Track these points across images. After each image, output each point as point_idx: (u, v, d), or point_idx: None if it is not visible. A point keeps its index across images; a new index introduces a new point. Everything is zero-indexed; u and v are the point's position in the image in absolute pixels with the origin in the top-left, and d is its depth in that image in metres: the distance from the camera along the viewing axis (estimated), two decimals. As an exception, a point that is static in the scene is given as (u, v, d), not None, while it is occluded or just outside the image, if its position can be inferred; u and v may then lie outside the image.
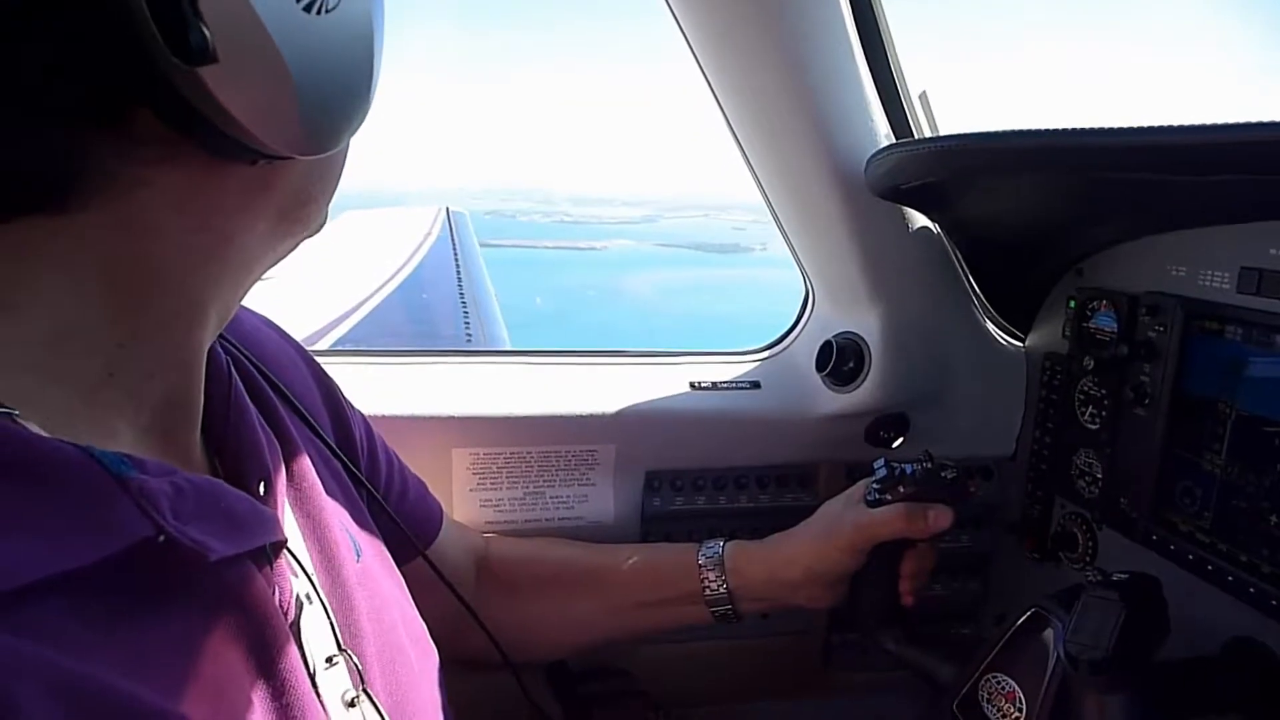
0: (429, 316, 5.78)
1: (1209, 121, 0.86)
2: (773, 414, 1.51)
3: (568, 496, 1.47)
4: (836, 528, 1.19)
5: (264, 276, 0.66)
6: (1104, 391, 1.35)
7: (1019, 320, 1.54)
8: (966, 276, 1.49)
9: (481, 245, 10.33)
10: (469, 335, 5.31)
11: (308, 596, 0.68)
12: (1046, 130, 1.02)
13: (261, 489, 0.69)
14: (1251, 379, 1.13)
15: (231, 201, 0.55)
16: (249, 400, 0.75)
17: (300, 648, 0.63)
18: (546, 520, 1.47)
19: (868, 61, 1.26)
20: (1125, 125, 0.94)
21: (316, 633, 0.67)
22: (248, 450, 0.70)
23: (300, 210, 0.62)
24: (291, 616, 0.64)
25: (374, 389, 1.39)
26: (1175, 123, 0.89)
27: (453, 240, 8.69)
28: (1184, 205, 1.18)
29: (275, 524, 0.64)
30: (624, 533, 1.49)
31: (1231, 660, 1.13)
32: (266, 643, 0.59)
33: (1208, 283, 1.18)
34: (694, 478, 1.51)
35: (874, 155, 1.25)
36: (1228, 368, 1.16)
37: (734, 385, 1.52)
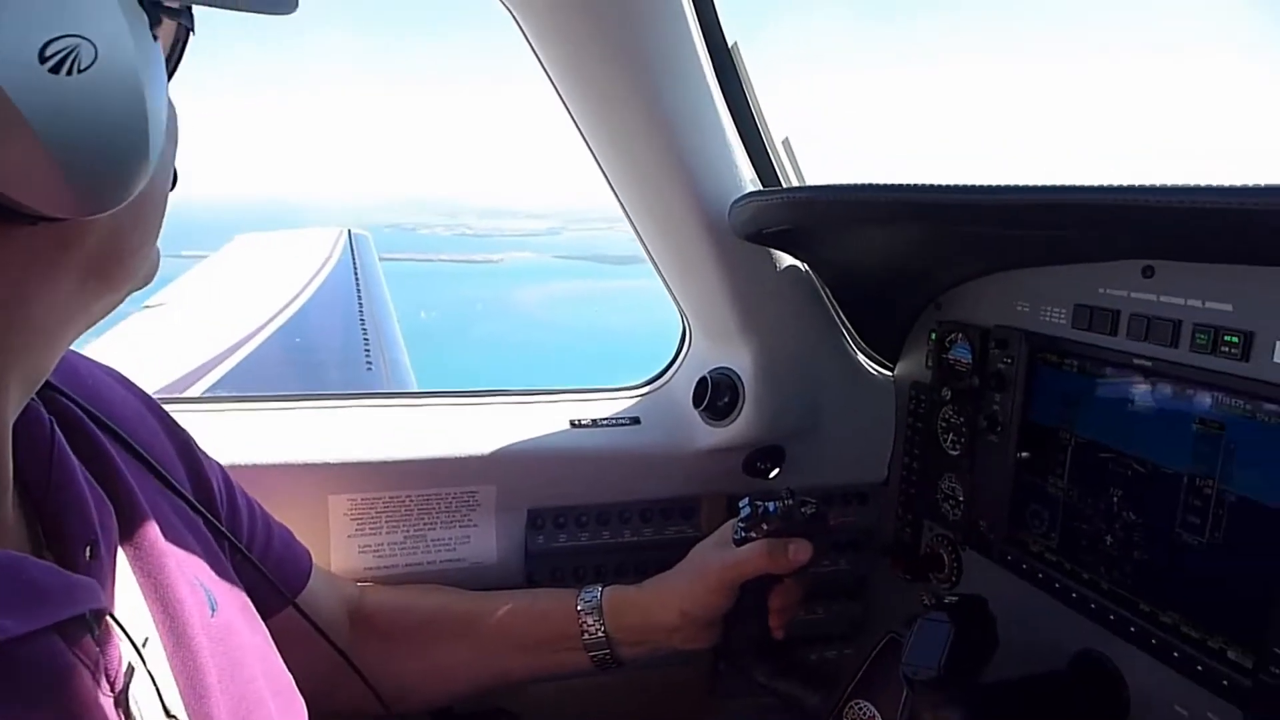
0: (325, 345, 5.63)
1: (1026, 182, 0.93)
2: (653, 449, 1.53)
3: (449, 539, 1.46)
4: (705, 569, 1.22)
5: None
6: (962, 420, 1.42)
7: (887, 350, 1.61)
8: (836, 311, 1.55)
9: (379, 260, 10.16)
10: (369, 363, 5.20)
11: (142, 660, 0.66)
12: (890, 185, 1.08)
13: (89, 552, 0.66)
14: (1087, 408, 1.21)
15: (18, 265, 0.53)
16: (78, 460, 0.72)
17: (129, 717, 0.61)
18: (428, 564, 1.45)
19: (729, 109, 1.30)
20: (959, 184, 1.01)
21: (149, 700, 0.65)
22: (72, 513, 0.67)
23: (114, 266, 0.60)
24: (120, 686, 0.62)
25: (246, 437, 1.36)
26: (1005, 182, 0.96)
27: (354, 264, 8.50)
28: (1024, 247, 1.25)
29: (92, 591, 0.61)
30: (508, 572, 1.49)
31: (1077, 673, 1.21)
32: (79, 718, 0.57)
33: (1048, 318, 1.26)
34: (577, 514, 1.52)
35: (734, 202, 1.29)
36: (1067, 398, 1.24)
37: (614, 422, 1.54)
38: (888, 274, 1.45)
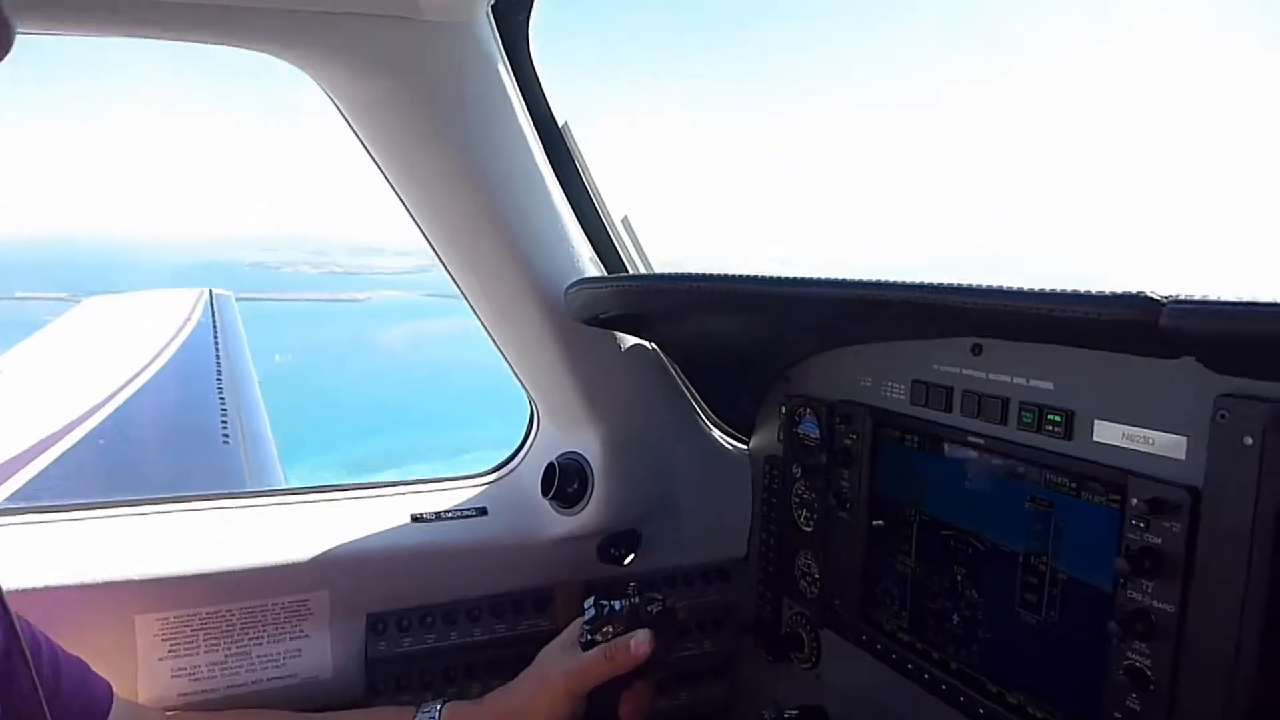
0: (172, 423, 5.24)
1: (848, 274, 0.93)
2: (502, 541, 1.45)
3: (277, 654, 1.33)
4: (549, 678, 1.14)
5: None
6: (814, 495, 1.41)
7: (741, 425, 1.59)
8: (688, 387, 1.52)
9: (238, 299, 9.68)
10: (226, 437, 4.87)
11: None
12: (715, 276, 1.07)
13: None
14: (929, 484, 1.21)
15: None
16: None
17: None
18: (254, 683, 1.32)
19: (564, 190, 1.27)
20: (784, 276, 1.00)
21: None
22: None
23: None
24: None
25: (36, 555, 1.20)
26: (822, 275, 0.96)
27: (214, 327, 8.05)
28: (859, 325, 1.26)
29: None
30: (346, 685, 1.37)
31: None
32: None
33: (889, 393, 1.26)
34: (422, 615, 1.41)
35: (567, 289, 1.26)
36: (910, 474, 1.24)
37: (459, 514, 1.45)
38: (734, 351, 1.44)
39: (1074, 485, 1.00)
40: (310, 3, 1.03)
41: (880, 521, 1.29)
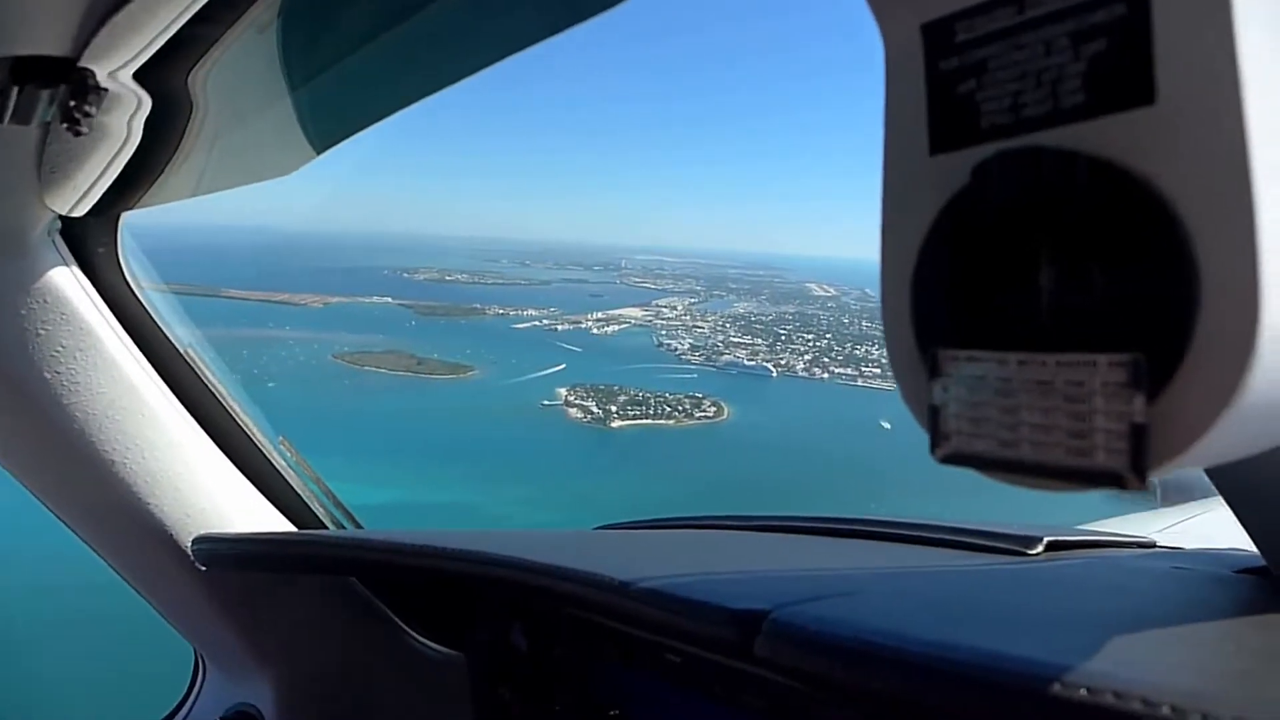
0: None
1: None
2: None
3: None
4: None
5: None
6: (530, 709, 1.29)
7: (452, 630, 1.45)
8: (385, 605, 1.37)
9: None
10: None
11: None
12: (345, 540, 0.93)
13: None
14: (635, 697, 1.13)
15: None
16: None
17: None
18: None
19: (201, 426, 1.11)
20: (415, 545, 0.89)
21: None
22: None
23: None
24: None
25: None
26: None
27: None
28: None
29: None
30: None
31: None
32: None
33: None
34: None
35: (192, 544, 1.09)
36: (616, 686, 1.15)
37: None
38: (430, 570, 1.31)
39: None
40: None
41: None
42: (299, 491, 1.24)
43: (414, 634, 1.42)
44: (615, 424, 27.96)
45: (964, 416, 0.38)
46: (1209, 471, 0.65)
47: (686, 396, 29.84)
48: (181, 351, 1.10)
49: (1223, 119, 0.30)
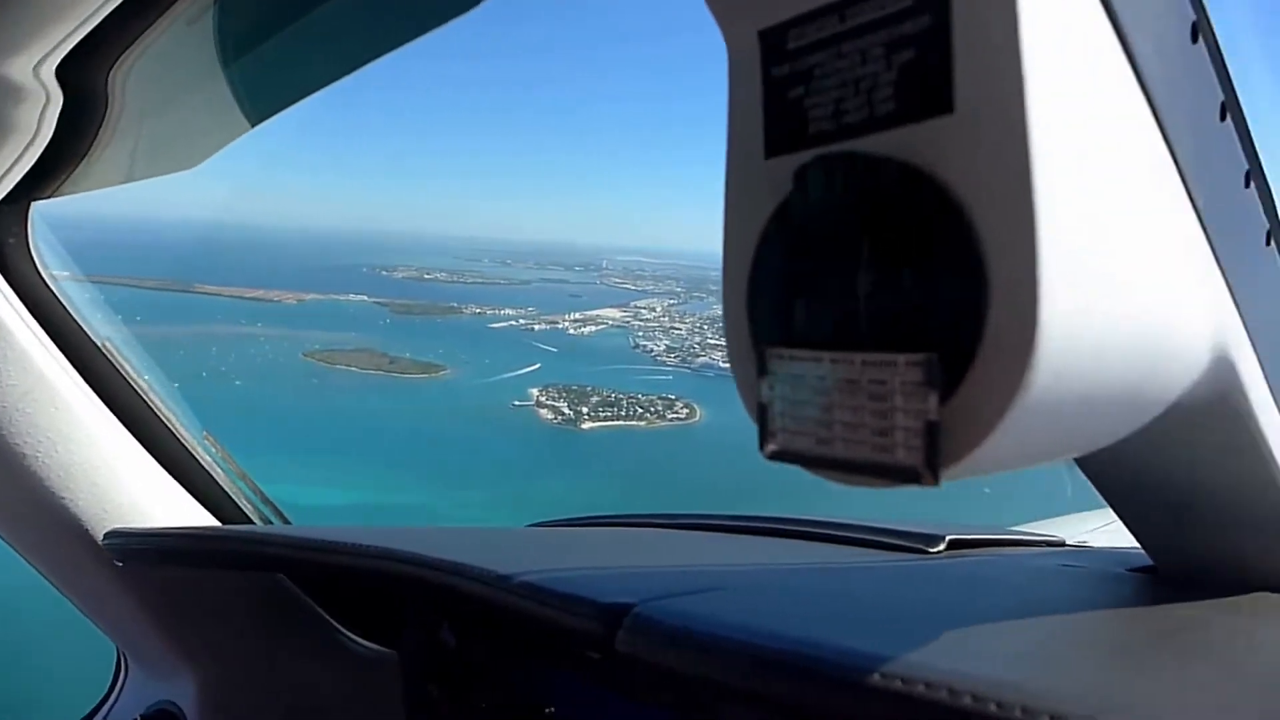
0: None
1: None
2: None
3: None
4: None
5: None
6: (457, 706, 1.29)
7: (387, 627, 1.44)
8: (316, 603, 1.36)
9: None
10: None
11: None
12: (256, 536, 0.93)
13: None
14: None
15: None
16: None
17: None
18: None
19: (117, 418, 1.10)
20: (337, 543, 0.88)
21: None
22: None
23: None
24: None
25: None
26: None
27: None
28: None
29: None
30: None
31: None
32: None
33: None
34: None
35: (103, 539, 1.08)
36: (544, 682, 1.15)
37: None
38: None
39: None
40: None
41: None
42: (224, 487, 1.23)
43: (345, 632, 1.41)
44: (586, 425, 27.90)
45: (787, 414, 0.39)
46: (1090, 476, 0.66)
47: (659, 398, 29.86)
48: (99, 345, 1.08)
49: (1009, 129, 0.32)
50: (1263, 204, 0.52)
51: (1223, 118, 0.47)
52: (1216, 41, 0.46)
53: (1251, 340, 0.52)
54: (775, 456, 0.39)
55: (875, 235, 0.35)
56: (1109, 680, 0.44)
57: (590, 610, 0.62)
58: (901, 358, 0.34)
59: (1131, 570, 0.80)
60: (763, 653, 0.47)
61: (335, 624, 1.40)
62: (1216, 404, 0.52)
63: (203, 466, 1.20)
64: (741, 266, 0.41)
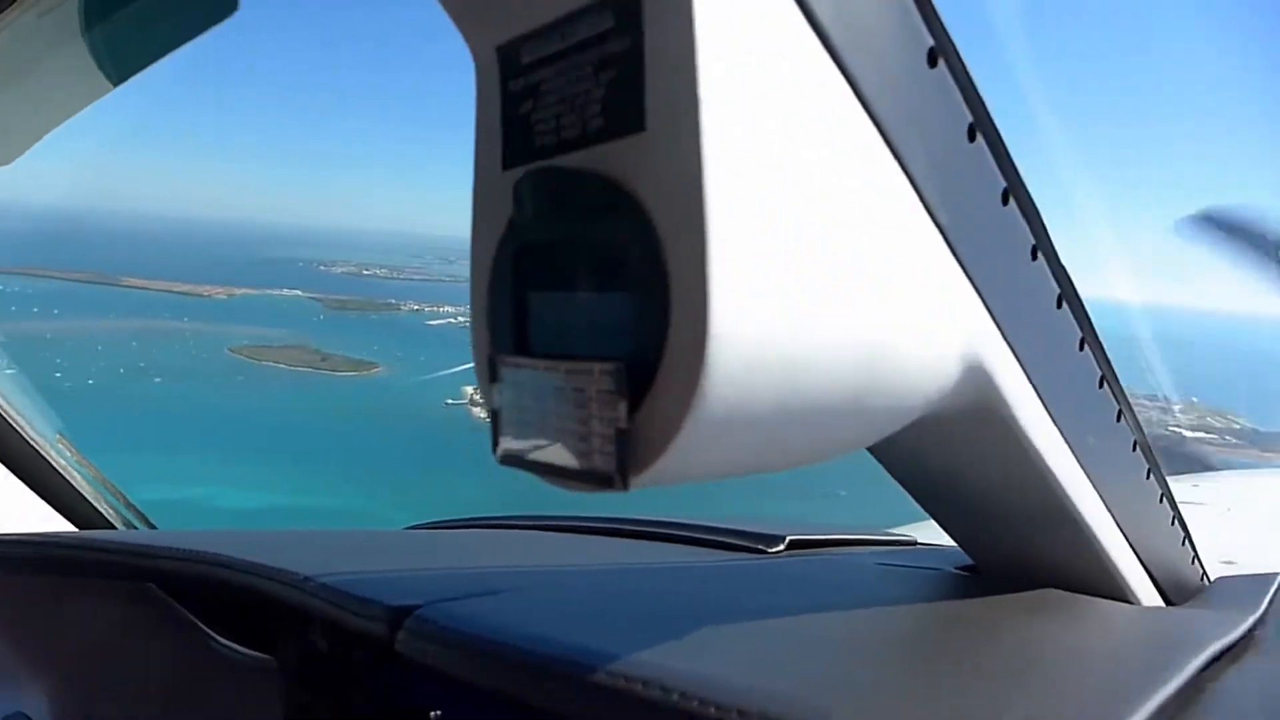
0: None
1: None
2: None
3: None
4: None
5: None
6: (333, 710, 1.27)
7: (265, 633, 1.42)
8: (184, 610, 1.33)
9: None
10: None
11: None
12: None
13: None
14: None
15: None
16: None
17: None
18: None
19: None
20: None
21: None
22: None
23: None
24: None
25: None
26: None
27: None
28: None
29: None
30: None
31: None
32: None
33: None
34: None
35: None
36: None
37: None
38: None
39: None
40: None
41: None
42: (81, 491, 1.19)
43: (219, 639, 1.38)
44: (522, 422, 27.52)
45: (512, 421, 0.39)
46: (897, 479, 0.69)
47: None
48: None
49: (688, 149, 0.33)
50: (1026, 219, 0.55)
51: (971, 138, 0.49)
52: (962, 63, 0.48)
53: (1014, 350, 0.55)
54: (504, 462, 0.40)
55: (579, 248, 0.37)
56: (837, 676, 0.46)
57: (377, 611, 0.63)
58: (597, 366, 0.35)
59: (959, 569, 0.83)
60: (504, 651, 0.48)
61: (209, 631, 1.37)
62: (979, 412, 0.55)
63: (57, 470, 1.16)
64: (482, 276, 0.42)
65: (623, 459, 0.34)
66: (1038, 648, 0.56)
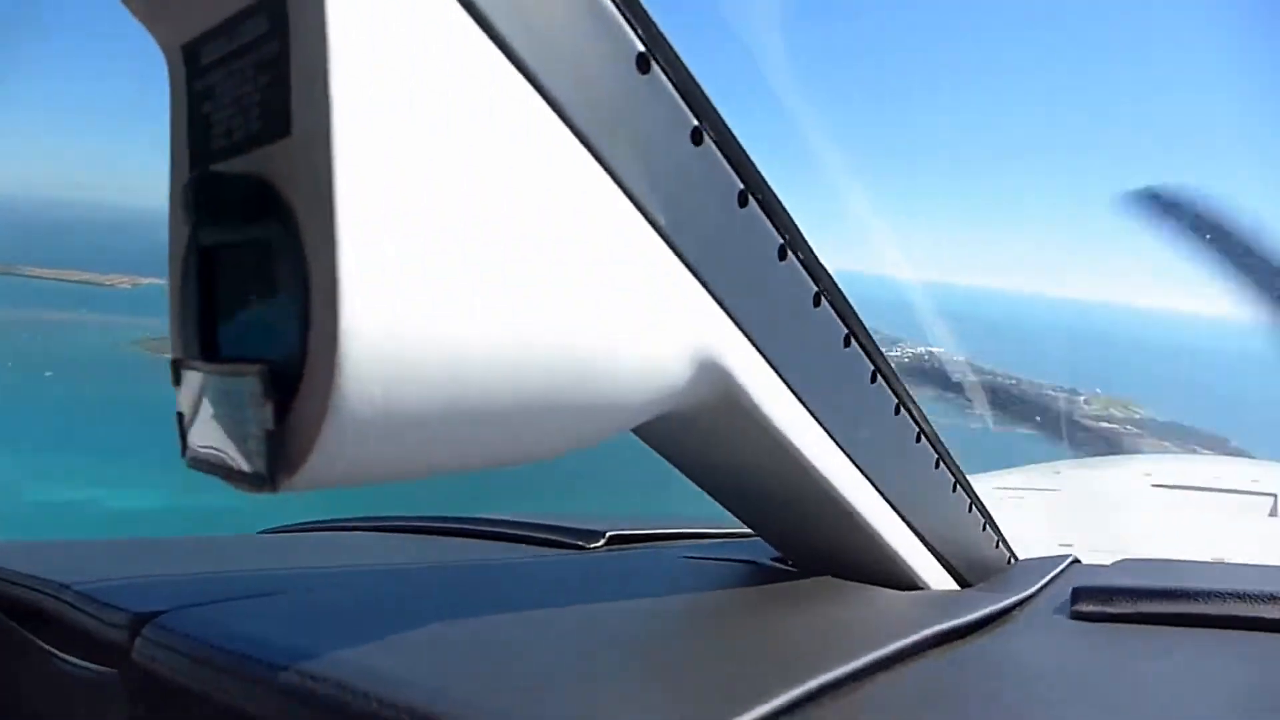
0: None
1: None
2: None
3: None
4: None
5: None
6: None
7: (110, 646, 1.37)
8: (16, 625, 1.27)
9: None
10: None
11: None
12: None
13: None
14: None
15: None
16: None
17: None
18: None
19: None
20: None
21: None
22: None
23: None
24: None
25: None
26: None
27: None
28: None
29: None
30: None
31: None
32: None
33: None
34: None
35: None
36: None
37: None
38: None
39: None
40: None
41: None
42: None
43: (60, 654, 1.33)
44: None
45: (193, 425, 0.40)
46: (683, 472, 0.70)
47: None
48: None
49: (321, 151, 0.33)
50: (771, 220, 0.56)
51: (697, 142, 0.50)
52: (682, 67, 0.48)
53: (759, 349, 0.56)
54: (192, 466, 0.40)
55: (239, 253, 0.37)
56: (583, 669, 0.47)
57: (119, 618, 0.61)
58: (250, 369, 0.35)
59: (774, 560, 0.84)
60: (226, 659, 0.48)
61: (47, 646, 1.32)
62: (728, 408, 0.56)
63: None
64: (175, 277, 0.41)
65: (272, 461, 0.35)
66: (742, 630, 0.59)
